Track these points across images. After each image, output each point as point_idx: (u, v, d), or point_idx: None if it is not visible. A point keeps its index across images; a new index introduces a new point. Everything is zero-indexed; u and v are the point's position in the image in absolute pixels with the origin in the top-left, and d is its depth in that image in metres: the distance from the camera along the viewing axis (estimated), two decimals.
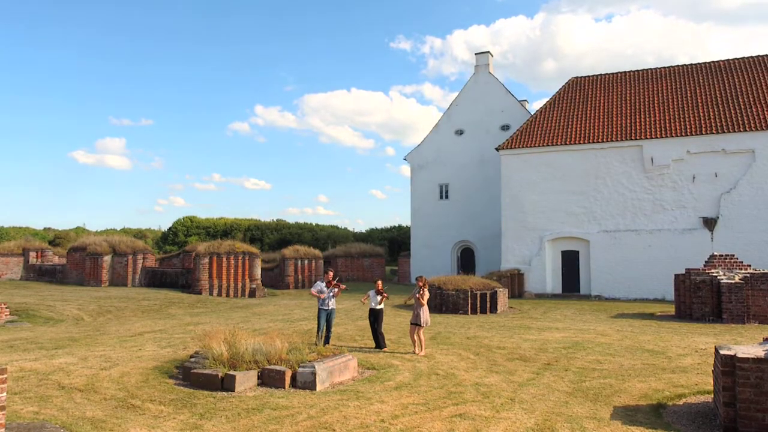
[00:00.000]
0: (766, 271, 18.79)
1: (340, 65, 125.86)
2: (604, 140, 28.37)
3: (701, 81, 29.49)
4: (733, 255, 19.72)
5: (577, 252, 28.79)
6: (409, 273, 37.06)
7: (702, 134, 26.58)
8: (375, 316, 12.77)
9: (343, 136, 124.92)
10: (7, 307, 17.53)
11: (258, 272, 28.59)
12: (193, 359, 9.75)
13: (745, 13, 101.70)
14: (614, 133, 28.58)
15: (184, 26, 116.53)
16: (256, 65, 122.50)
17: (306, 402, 8.01)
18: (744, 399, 6.44)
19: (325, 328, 12.65)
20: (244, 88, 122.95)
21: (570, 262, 28.96)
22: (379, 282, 13.16)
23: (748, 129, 25.87)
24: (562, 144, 29.08)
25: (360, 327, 16.12)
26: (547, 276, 29.03)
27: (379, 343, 12.67)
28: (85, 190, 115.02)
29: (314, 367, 8.85)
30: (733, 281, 17.65)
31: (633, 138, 27.92)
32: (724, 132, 26.23)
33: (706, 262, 19.77)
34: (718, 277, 18.10)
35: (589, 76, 32.98)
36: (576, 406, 8.00)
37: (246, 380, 8.71)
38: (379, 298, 12.82)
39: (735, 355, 6.61)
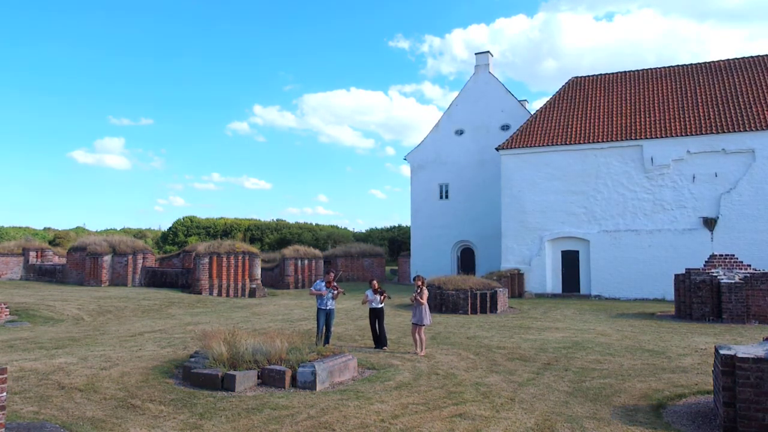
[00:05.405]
0: (766, 271, 18.79)
1: (339, 64, 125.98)
2: (604, 140, 28.37)
3: (701, 81, 29.49)
4: (733, 255, 19.74)
5: (577, 252, 28.80)
6: (409, 273, 37.06)
7: (702, 134, 26.59)
8: (376, 316, 12.76)
9: (343, 135, 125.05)
10: (7, 307, 17.51)
11: (258, 272, 28.59)
12: (193, 359, 9.75)
13: (746, 12, 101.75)
14: (614, 133, 28.58)
15: (183, 25, 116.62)
16: (255, 64, 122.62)
17: (306, 402, 8.01)
18: (744, 399, 6.43)
19: (324, 328, 12.65)
20: (244, 87, 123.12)
21: (570, 262, 28.96)
22: (374, 282, 13.13)
23: (748, 129, 25.88)
24: (562, 144, 29.08)
25: (360, 327, 16.12)
26: (547, 276, 29.03)
27: (380, 342, 12.67)
28: (85, 190, 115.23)
29: (314, 367, 8.85)
30: (733, 281, 17.64)
31: (633, 138, 27.92)
32: (724, 132, 26.23)
33: (706, 262, 19.77)
34: (718, 277, 18.09)
35: (589, 76, 32.98)
36: (576, 406, 8.00)
37: (246, 380, 8.71)
38: (379, 297, 12.81)
39: (735, 355, 6.61)
